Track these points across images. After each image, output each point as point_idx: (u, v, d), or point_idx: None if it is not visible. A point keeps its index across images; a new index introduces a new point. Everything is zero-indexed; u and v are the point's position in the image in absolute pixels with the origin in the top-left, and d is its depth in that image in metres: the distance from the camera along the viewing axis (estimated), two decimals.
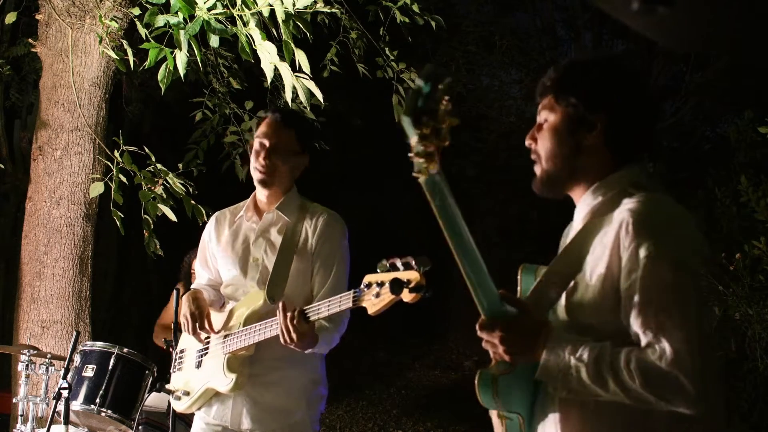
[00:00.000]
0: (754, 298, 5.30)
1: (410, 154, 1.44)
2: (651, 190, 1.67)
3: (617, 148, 1.71)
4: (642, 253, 1.57)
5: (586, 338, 1.63)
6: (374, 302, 2.22)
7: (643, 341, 1.58)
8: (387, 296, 2.18)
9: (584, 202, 1.75)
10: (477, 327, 1.67)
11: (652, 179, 1.74)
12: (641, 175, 1.72)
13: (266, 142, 2.75)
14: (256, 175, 2.77)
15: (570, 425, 1.68)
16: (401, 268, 2.14)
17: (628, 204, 1.63)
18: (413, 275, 2.10)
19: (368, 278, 2.26)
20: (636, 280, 1.58)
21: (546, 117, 1.76)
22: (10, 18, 4.84)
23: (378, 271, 2.20)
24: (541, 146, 1.76)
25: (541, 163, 1.77)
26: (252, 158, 2.79)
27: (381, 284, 2.19)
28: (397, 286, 2.12)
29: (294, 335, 2.44)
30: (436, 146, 1.42)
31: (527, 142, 1.79)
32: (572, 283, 1.70)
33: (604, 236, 1.66)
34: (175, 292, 3.08)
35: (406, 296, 2.12)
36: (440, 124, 1.42)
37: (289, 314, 2.45)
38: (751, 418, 5.55)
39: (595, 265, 1.66)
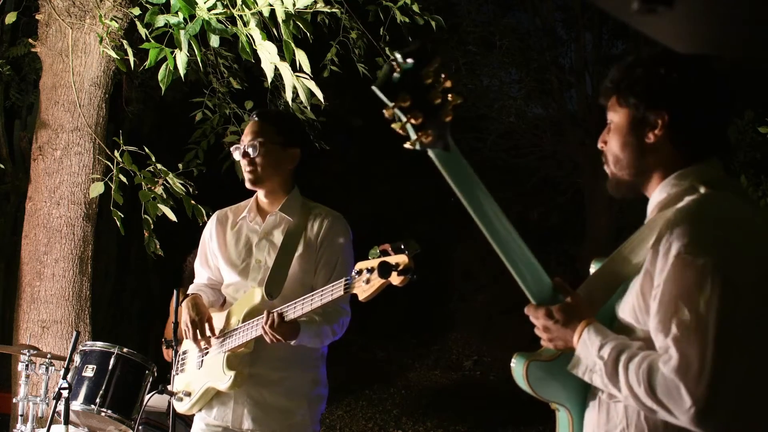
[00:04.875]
0: None
1: (392, 125, 1.48)
2: (720, 189, 1.58)
3: (684, 145, 1.62)
4: (673, 251, 1.48)
5: (622, 337, 1.57)
6: (364, 288, 2.24)
7: (658, 345, 1.48)
8: (377, 281, 2.20)
9: (653, 198, 1.67)
10: (525, 311, 1.67)
11: (728, 179, 1.65)
12: (715, 173, 1.62)
13: (245, 139, 2.76)
14: (244, 177, 2.79)
15: (608, 424, 1.62)
16: (391, 252, 2.16)
17: (684, 201, 1.56)
18: (401, 258, 2.14)
19: (359, 265, 2.27)
20: (662, 280, 1.49)
21: (611, 118, 1.71)
22: (10, 18, 4.84)
23: (369, 258, 2.22)
24: (609, 148, 1.71)
25: (609, 165, 1.72)
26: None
27: (371, 270, 2.20)
28: (385, 269, 2.14)
29: (274, 337, 2.50)
30: (425, 119, 1.46)
31: (599, 145, 1.74)
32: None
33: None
34: (174, 295, 3.07)
35: (395, 279, 2.15)
36: (434, 99, 1.46)
37: (269, 319, 2.49)
38: None
39: (643, 264, 1.58)
